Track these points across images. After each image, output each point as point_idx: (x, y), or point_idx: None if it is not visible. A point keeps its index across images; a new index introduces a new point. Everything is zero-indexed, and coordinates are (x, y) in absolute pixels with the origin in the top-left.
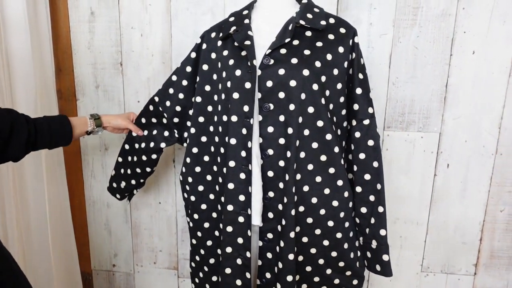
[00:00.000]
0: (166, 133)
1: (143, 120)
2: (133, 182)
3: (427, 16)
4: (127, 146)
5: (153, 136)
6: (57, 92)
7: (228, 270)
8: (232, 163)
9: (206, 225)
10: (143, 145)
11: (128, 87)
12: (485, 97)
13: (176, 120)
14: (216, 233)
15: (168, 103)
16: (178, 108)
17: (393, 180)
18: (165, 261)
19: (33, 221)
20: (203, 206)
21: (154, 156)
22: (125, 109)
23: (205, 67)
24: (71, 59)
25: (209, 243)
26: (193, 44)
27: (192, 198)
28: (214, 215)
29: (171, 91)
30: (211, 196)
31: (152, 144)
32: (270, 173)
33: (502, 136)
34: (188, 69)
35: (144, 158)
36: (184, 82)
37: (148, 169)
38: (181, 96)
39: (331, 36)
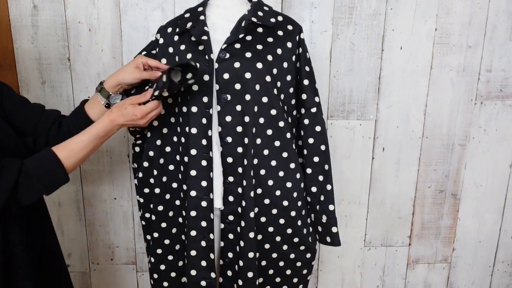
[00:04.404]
0: None
1: None
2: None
3: (361, 15)
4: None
5: None
6: None
7: (193, 252)
8: (194, 151)
9: (171, 213)
10: None
11: (77, 82)
12: (411, 87)
13: None
14: (180, 219)
15: None
16: None
17: (337, 165)
18: (122, 257)
19: None
20: (167, 196)
21: None
22: (75, 105)
23: (163, 60)
24: (13, 54)
25: (174, 230)
26: (144, 39)
27: (157, 190)
28: (177, 202)
29: None
30: (174, 185)
31: None
32: (230, 159)
33: (427, 121)
34: None
35: None
36: None
37: None
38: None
39: (280, 33)
